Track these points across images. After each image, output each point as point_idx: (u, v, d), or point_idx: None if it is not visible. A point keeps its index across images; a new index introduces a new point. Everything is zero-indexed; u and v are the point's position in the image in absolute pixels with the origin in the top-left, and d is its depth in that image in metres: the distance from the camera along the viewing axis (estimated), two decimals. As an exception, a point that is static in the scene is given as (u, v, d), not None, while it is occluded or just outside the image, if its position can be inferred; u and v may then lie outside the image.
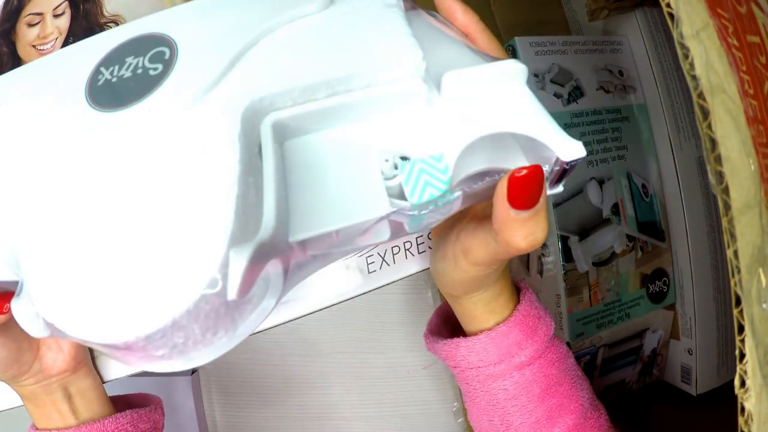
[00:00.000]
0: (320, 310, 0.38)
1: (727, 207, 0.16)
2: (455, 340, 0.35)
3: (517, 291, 0.37)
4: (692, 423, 0.55)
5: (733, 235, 0.16)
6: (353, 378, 0.58)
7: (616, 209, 0.53)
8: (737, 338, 0.17)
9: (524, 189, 0.23)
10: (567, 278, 0.51)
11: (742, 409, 0.18)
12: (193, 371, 0.55)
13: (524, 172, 0.23)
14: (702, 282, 0.54)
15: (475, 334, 0.34)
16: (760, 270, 0.17)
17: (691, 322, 0.55)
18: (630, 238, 0.54)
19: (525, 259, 0.56)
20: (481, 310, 0.34)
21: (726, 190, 0.16)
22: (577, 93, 0.53)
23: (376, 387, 0.59)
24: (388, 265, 0.38)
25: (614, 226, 0.53)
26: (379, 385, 0.59)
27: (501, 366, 0.34)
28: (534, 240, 0.25)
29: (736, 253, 0.16)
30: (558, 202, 0.51)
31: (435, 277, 0.34)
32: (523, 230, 0.24)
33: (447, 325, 0.39)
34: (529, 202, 0.23)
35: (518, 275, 0.58)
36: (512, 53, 0.53)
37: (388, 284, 0.39)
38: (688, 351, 0.56)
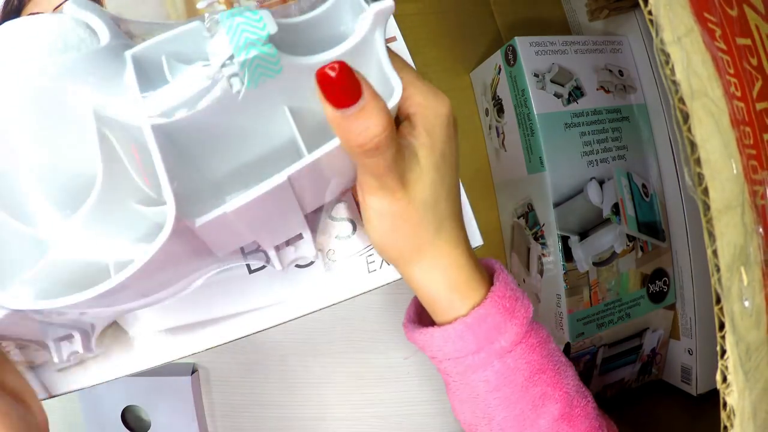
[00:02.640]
0: (320, 310, 0.38)
1: (707, 207, 0.16)
2: (430, 329, 0.33)
3: (489, 274, 0.34)
4: (692, 423, 0.55)
5: (712, 235, 0.16)
6: (353, 378, 0.59)
7: (616, 209, 0.53)
8: (718, 335, 0.17)
9: (335, 86, 0.23)
10: (567, 278, 0.51)
11: (724, 404, 0.18)
12: (193, 371, 0.55)
13: (327, 69, 0.23)
14: (702, 282, 0.54)
15: (450, 322, 0.32)
16: (742, 268, 0.17)
17: (691, 322, 0.55)
18: (630, 238, 0.54)
19: (525, 260, 0.57)
20: (441, 285, 0.32)
21: (705, 192, 0.16)
22: (577, 93, 0.53)
23: (376, 387, 0.59)
24: (388, 264, 0.38)
25: (614, 226, 0.53)
26: (379, 385, 0.59)
27: (480, 355, 0.32)
28: (368, 135, 0.24)
29: (715, 252, 0.16)
30: (558, 202, 0.51)
31: (375, 248, 0.32)
32: (355, 127, 0.24)
33: (427, 313, 0.36)
34: (346, 98, 0.23)
35: (519, 276, 0.59)
36: (512, 53, 0.53)
37: (388, 284, 0.39)
38: (688, 351, 0.56)
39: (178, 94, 0.24)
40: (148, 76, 0.25)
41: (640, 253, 0.55)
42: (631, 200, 0.54)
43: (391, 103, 0.27)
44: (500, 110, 0.56)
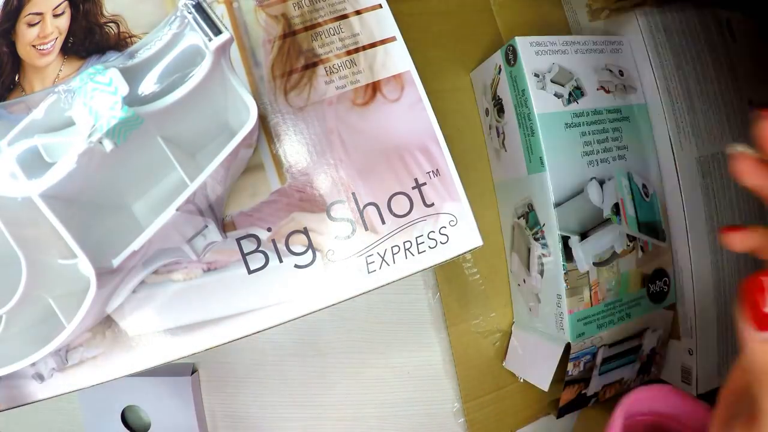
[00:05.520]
0: (320, 310, 0.38)
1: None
2: None
3: None
4: (692, 423, 0.55)
5: None
6: (353, 378, 0.58)
7: (616, 209, 0.53)
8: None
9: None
10: (567, 278, 0.51)
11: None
12: (193, 371, 0.55)
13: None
14: (702, 282, 0.54)
15: None
16: None
17: (691, 322, 0.55)
18: (630, 238, 0.54)
19: (525, 260, 0.56)
20: None
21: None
22: (577, 93, 0.53)
23: (376, 387, 0.59)
24: (388, 265, 0.38)
25: (615, 226, 0.53)
26: (379, 385, 0.59)
27: None
28: None
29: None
30: (558, 202, 0.51)
31: None
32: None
33: None
34: None
35: (519, 275, 0.58)
36: (512, 53, 0.53)
37: (388, 284, 0.39)
38: (688, 351, 0.56)
39: (60, 171, 0.26)
40: (30, 163, 0.27)
41: (640, 253, 0.55)
42: (631, 200, 0.54)
43: (247, 127, 0.31)
44: (500, 110, 0.56)
